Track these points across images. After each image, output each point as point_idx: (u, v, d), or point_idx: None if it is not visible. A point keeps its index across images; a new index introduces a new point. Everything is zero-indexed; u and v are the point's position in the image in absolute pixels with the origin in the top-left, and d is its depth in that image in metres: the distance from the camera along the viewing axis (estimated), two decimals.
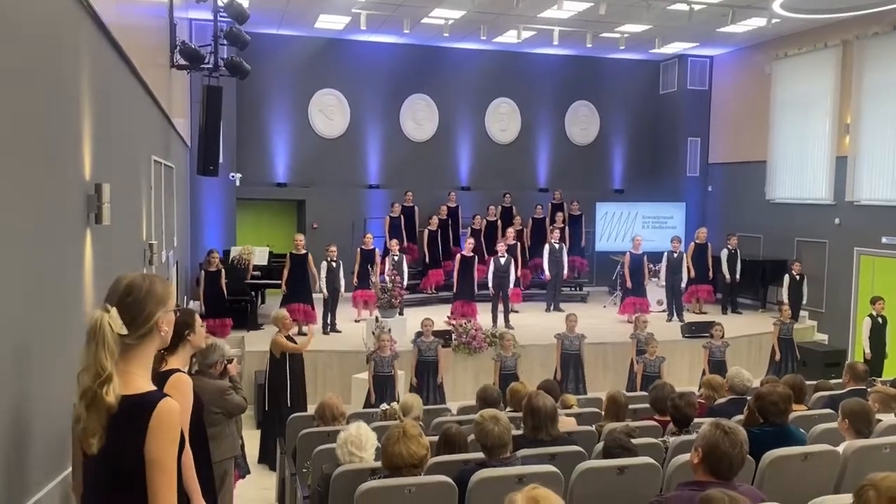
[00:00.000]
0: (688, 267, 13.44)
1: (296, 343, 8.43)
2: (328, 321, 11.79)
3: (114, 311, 2.35)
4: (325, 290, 11.68)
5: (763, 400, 4.49)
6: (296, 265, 11.50)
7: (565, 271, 14.19)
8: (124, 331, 2.36)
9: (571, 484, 3.91)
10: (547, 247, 13.97)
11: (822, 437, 4.75)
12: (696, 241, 13.86)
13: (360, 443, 4.39)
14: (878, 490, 2.43)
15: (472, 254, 12.62)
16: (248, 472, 6.97)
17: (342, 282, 11.87)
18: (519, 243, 14.15)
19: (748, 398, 5.17)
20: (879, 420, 5.04)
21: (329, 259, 11.74)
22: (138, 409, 2.31)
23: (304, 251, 11.60)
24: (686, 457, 3.71)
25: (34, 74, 2.90)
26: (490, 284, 12.45)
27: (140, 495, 2.31)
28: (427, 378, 9.60)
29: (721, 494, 2.35)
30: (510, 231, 13.85)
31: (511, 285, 12.59)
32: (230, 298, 11.52)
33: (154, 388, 2.44)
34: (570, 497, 3.87)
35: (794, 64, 14.47)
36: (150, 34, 7.40)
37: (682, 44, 15.59)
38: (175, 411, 2.37)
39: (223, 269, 11.40)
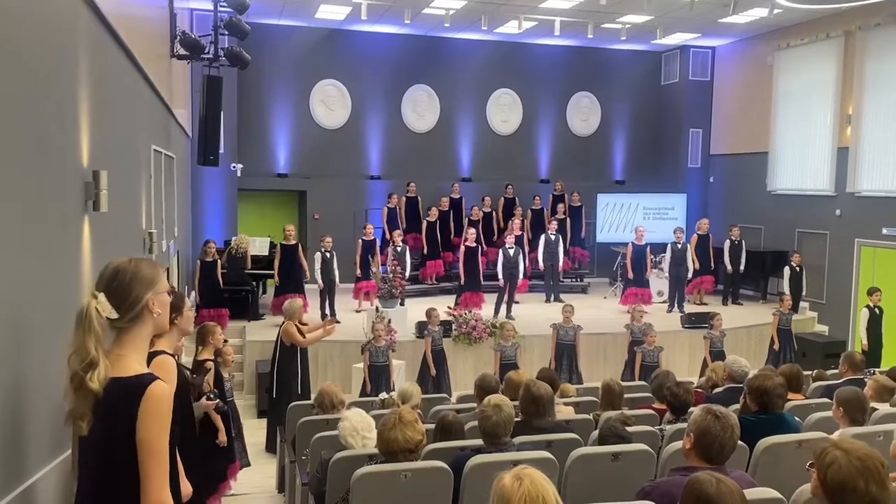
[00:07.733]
0: (692, 258, 13.44)
1: (303, 335, 8.39)
2: (326, 312, 11.80)
3: (101, 296, 2.36)
4: (320, 281, 11.65)
5: (769, 393, 4.49)
6: (285, 255, 11.50)
7: (560, 262, 14.19)
8: (114, 315, 2.37)
9: (566, 470, 3.94)
10: (543, 237, 13.94)
11: (817, 425, 4.79)
12: (699, 233, 13.86)
13: (367, 425, 4.43)
14: (844, 450, 2.42)
15: (475, 244, 12.64)
16: (248, 465, 7.00)
17: (336, 272, 11.81)
18: (524, 234, 14.17)
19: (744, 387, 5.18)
20: (874, 409, 5.06)
21: (323, 250, 11.71)
22: (130, 392, 2.30)
23: (293, 242, 11.59)
24: (681, 443, 3.74)
25: (32, 64, 2.92)
26: (500, 276, 12.45)
27: (131, 478, 2.29)
28: (444, 366, 9.71)
29: (709, 477, 2.37)
30: (516, 222, 13.82)
31: (521, 276, 12.62)
32: (231, 289, 11.53)
33: (147, 370, 2.42)
34: (565, 483, 3.89)
35: (796, 55, 14.43)
36: (149, 24, 7.40)
37: (683, 34, 15.54)
38: (166, 394, 2.34)
39: (219, 260, 11.40)
